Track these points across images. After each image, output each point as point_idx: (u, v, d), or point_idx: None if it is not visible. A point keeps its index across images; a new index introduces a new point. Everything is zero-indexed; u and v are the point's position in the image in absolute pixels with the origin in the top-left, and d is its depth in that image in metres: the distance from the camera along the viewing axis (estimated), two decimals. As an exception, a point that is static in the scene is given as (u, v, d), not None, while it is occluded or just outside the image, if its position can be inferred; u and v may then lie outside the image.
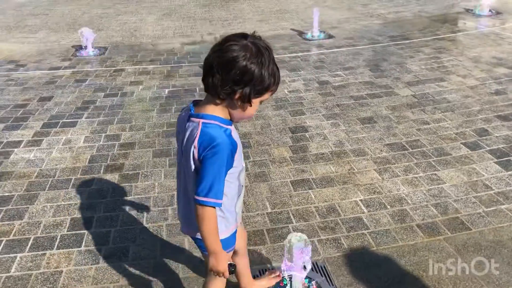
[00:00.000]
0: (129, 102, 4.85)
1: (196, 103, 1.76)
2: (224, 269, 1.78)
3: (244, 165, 1.89)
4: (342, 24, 7.52)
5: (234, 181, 1.82)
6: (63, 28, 7.63)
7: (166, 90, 5.12)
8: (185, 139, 1.72)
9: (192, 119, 1.71)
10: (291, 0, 9.07)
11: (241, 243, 2.20)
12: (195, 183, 1.69)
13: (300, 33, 6.98)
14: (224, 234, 1.87)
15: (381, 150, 3.86)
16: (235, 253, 2.13)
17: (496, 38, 6.59)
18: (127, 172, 3.64)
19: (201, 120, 1.67)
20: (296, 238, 2.31)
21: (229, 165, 1.70)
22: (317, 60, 5.91)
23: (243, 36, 1.64)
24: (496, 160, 3.67)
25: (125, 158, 3.82)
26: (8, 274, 2.66)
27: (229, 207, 1.86)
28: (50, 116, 4.56)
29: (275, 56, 1.71)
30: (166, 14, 8.43)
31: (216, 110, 1.69)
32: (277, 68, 1.67)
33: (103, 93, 5.07)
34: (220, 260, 1.77)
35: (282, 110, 4.56)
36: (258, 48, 1.61)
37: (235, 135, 1.73)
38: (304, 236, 2.32)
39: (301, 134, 4.14)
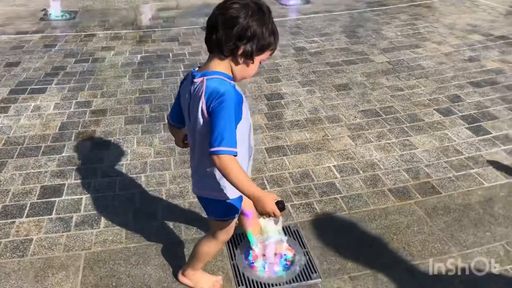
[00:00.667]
0: (101, 68, 4.72)
1: (198, 68, 1.81)
2: (272, 209, 1.70)
3: (251, 122, 1.92)
4: (318, -11, 7.41)
5: (245, 138, 1.85)
6: (31, -9, 7.32)
7: (139, 56, 5.00)
8: (191, 100, 1.77)
9: (195, 80, 1.75)
10: (268, -36, 8.88)
11: (250, 206, 2.17)
12: (209, 137, 1.67)
13: (276, -2, 6.86)
14: (232, 193, 1.89)
15: (355, 117, 3.87)
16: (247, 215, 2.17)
17: (471, 5, 6.60)
18: (99, 139, 3.57)
19: (205, 77, 1.73)
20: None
21: (238, 115, 1.72)
22: (294, 26, 5.83)
23: None
24: (467, 125, 3.73)
25: (97, 125, 3.75)
26: (-24, 243, 2.61)
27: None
28: (18, 82, 4.42)
29: None
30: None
31: (220, 67, 1.74)
32: (276, 29, 1.75)
33: (73, 59, 4.92)
34: (266, 202, 1.69)
35: (258, 77, 4.51)
36: (259, 7, 1.69)
37: (238, 89, 1.76)
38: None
39: (276, 101, 4.11)
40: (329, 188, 3.06)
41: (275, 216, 1.74)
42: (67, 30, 5.80)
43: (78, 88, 4.31)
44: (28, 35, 5.59)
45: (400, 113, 3.91)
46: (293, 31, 5.66)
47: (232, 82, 1.74)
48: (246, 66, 1.74)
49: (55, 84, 4.37)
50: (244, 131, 1.83)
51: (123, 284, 2.34)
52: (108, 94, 4.21)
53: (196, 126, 1.78)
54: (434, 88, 4.29)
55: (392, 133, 3.64)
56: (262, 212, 1.73)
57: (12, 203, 2.92)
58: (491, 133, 3.62)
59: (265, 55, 1.76)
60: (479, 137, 3.58)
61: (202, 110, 1.71)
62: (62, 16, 6.16)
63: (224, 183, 1.85)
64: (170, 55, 5.02)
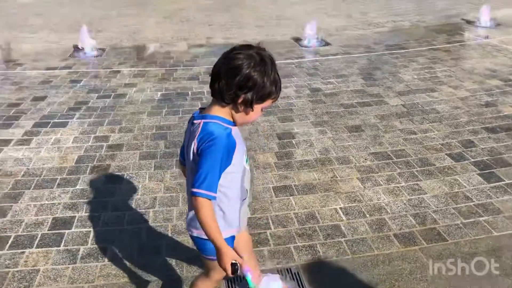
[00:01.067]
0: (121, 104, 4.90)
1: (201, 110, 1.88)
2: (225, 266, 1.77)
3: (247, 167, 1.96)
4: (339, 31, 7.57)
5: (236, 182, 1.89)
6: (64, 28, 7.72)
7: (159, 93, 5.17)
8: (188, 140, 1.84)
9: (195, 121, 1.83)
10: (291, 7, 9.13)
11: (245, 248, 2.21)
12: (193, 176, 1.75)
13: (297, 40, 7.02)
14: (224, 234, 1.88)
15: (365, 159, 3.88)
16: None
17: (492, 50, 6.60)
18: (112, 173, 3.68)
19: (203, 120, 1.80)
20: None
21: (225, 162, 1.77)
22: (311, 67, 5.94)
23: (249, 46, 1.79)
24: (479, 172, 3.69)
25: (112, 159, 3.87)
26: (-15, 271, 2.70)
27: (231, 209, 1.93)
28: (42, 115, 4.62)
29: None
30: (166, 17, 8.51)
31: (220, 112, 1.81)
32: (279, 78, 1.80)
33: (96, 94, 5.13)
34: (223, 257, 1.76)
35: (271, 116, 4.60)
36: (262, 58, 1.75)
37: (236, 135, 1.83)
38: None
39: (287, 140, 4.17)
40: (333, 231, 3.05)
41: (226, 274, 1.79)
42: (93, 66, 6.07)
43: (97, 123, 4.48)
44: (57, 70, 5.86)
45: (412, 156, 3.91)
46: (310, 72, 5.77)
47: (229, 127, 1.80)
48: (245, 114, 1.80)
49: (77, 119, 4.56)
50: (235, 176, 1.87)
51: (120, 319, 2.38)
52: (125, 129, 4.36)
53: (189, 166, 1.85)
54: (448, 133, 4.28)
55: (402, 177, 3.63)
56: (219, 263, 1.79)
57: (25, 233, 3.02)
58: (504, 181, 3.57)
59: (266, 103, 1.81)
60: (491, 184, 3.53)
61: (193, 151, 1.78)
62: (90, 53, 6.44)
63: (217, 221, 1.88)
64: (189, 93, 5.18)
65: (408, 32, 7.57)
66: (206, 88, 5.35)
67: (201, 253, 2.06)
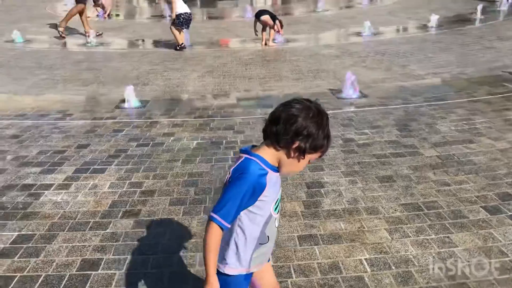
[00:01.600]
0: (158, 152, 5.09)
1: (252, 147, 2.00)
2: None
3: (275, 216, 2.03)
4: (377, 84, 7.60)
5: (257, 224, 1.97)
6: (112, 82, 8.20)
7: (195, 142, 5.34)
8: (230, 169, 1.96)
9: (240, 154, 1.96)
10: (329, 60, 9.30)
11: None
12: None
13: (334, 92, 7.11)
14: (230, 270, 2.00)
15: (395, 210, 3.80)
16: None
17: (536, 101, 6.41)
18: (142, 218, 3.79)
19: (245, 155, 1.93)
20: None
21: (248, 198, 1.87)
22: (346, 118, 5.97)
23: (308, 100, 1.93)
24: (516, 226, 3.52)
25: (143, 205, 3.99)
26: (14, 309, 2.81)
27: (245, 248, 1.99)
28: (84, 162, 4.87)
29: None
30: (209, 71, 8.87)
31: (266, 154, 1.92)
32: (330, 133, 1.94)
33: (136, 143, 5.36)
34: (208, 285, 1.90)
35: (301, 166, 4.62)
36: (319, 111, 1.90)
37: (271, 181, 1.92)
38: None
39: (316, 189, 4.16)
40: (356, 282, 2.97)
41: None
42: (136, 117, 6.37)
43: (134, 169, 4.66)
44: (102, 120, 6.20)
45: (444, 208, 3.78)
46: (344, 123, 5.80)
47: (266, 169, 1.90)
48: (297, 161, 1.92)
49: (115, 165, 4.76)
50: (258, 218, 1.96)
51: None
52: (159, 176, 4.51)
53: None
54: (484, 185, 4.13)
55: (432, 229, 3.51)
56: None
57: (54, 273, 3.14)
58: (544, 236, 3.38)
59: (316, 155, 1.93)
60: (529, 239, 3.35)
61: (227, 179, 1.92)
62: (135, 104, 6.79)
63: (225, 254, 1.98)
64: (224, 142, 5.31)
65: (448, 84, 7.49)
66: (240, 138, 5.50)
67: None
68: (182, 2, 10.71)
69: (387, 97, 6.80)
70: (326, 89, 7.27)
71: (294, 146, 1.87)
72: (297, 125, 1.84)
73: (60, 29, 12.59)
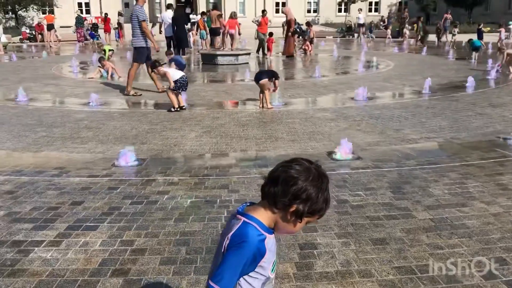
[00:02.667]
0: (151, 210, 5.08)
1: (249, 205, 2.00)
2: None
3: (272, 276, 2.00)
4: (372, 147, 7.71)
5: (256, 287, 1.93)
6: (111, 140, 8.30)
7: (188, 201, 5.34)
8: (225, 230, 1.94)
9: (238, 216, 1.93)
10: (325, 124, 9.48)
11: None
12: (215, 269, 1.88)
13: (329, 153, 7.20)
14: None
15: (388, 273, 3.75)
16: None
17: (528, 166, 6.49)
18: (131, 277, 3.73)
19: (244, 219, 1.90)
20: None
21: (248, 266, 1.85)
22: (340, 180, 6.02)
23: (308, 161, 1.93)
24: (511, 291, 3.46)
25: (133, 263, 3.94)
26: None
27: None
28: (77, 219, 4.85)
29: None
30: (206, 131, 9.01)
31: (264, 216, 1.91)
32: (329, 197, 1.93)
33: (129, 201, 5.36)
34: None
35: (295, 226, 4.60)
36: (319, 174, 1.89)
37: (269, 244, 1.90)
38: None
39: (309, 251, 4.13)
40: None
41: None
42: (132, 175, 6.41)
43: (126, 227, 4.63)
44: (98, 178, 6.23)
45: (437, 272, 3.74)
46: (338, 184, 5.84)
47: (264, 234, 1.88)
48: (293, 225, 1.91)
49: (107, 223, 4.74)
50: (256, 281, 1.93)
51: None
52: (151, 234, 4.48)
53: (216, 256, 1.95)
54: (477, 249, 4.11)
55: (426, 294, 3.46)
56: None
57: (37, 333, 3.05)
58: (539, 302, 3.33)
59: (313, 218, 1.92)
60: (524, 305, 3.30)
61: (225, 245, 1.88)
62: (132, 163, 6.85)
63: None
64: (218, 201, 5.32)
65: (441, 148, 7.61)
66: (234, 197, 5.51)
67: None
68: (174, 69, 11.19)
69: (381, 160, 6.88)
70: (320, 151, 7.37)
71: (292, 209, 1.85)
72: (296, 188, 1.83)
73: (131, 93, 13.17)
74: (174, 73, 11.11)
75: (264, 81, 11.04)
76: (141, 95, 13.31)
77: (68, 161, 7.05)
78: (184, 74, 11.34)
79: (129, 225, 4.69)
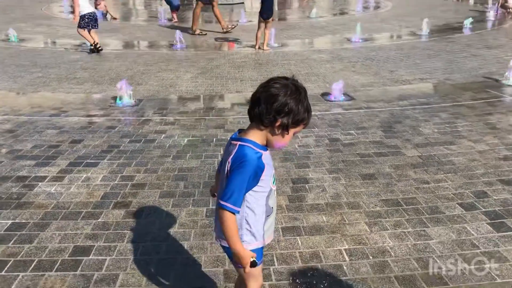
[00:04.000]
0: (150, 148, 5.24)
1: (240, 131, 2.16)
2: (245, 265, 2.12)
3: (274, 188, 2.21)
4: (365, 87, 7.80)
5: (262, 200, 2.15)
6: (107, 81, 8.34)
7: (186, 139, 5.49)
8: (225, 157, 2.13)
9: (233, 142, 2.11)
10: (321, 65, 9.50)
11: None
12: (222, 190, 2.08)
13: (323, 95, 7.30)
14: (251, 245, 2.18)
15: (375, 205, 3.98)
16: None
17: (517, 107, 6.63)
18: (132, 209, 3.93)
19: (239, 143, 2.07)
20: None
21: (252, 182, 2.05)
22: (333, 119, 6.16)
23: (285, 77, 2.08)
24: (489, 221, 3.70)
25: (134, 197, 4.14)
26: (8, 290, 2.95)
27: (256, 224, 2.18)
28: (77, 156, 5.00)
29: None
30: (201, 73, 9.03)
31: (255, 136, 2.08)
32: (310, 106, 2.08)
33: (128, 139, 5.50)
34: (241, 259, 2.11)
35: (288, 163, 4.79)
36: (297, 87, 2.04)
37: (266, 159, 2.09)
38: None
39: (301, 185, 4.33)
40: (335, 270, 3.14)
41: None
42: (129, 115, 6.52)
43: (126, 164, 4.80)
44: (95, 117, 6.34)
45: (422, 204, 3.97)
46: (331, 124, 5.98)
47: (260, 151, 2.06)
48: (282, 137, 2.07)
49: (107, 160, 4.90)
50: (261, 194, 2.14)
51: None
52: (150, 170, 4.66)
53: (222, 179, 2.14)
54: (461, 183, 4.32)
55: (410, 223, 3.69)
56: (238, 263, 2.13)
57: (47, 258, 3.27)
58: (514, 230, 3.57)
59: (299, 128, 2.09)
60: (500, 234, 3.54)
61: (227, 169, 2.06)
62: (128, 103, 6.93)
63: (241, 234, 2.15)
64: (214, 140, 5.47)
65: (434, 89, 7.72)
66: (230, 135, 5.65)
67: (233, 264, 2.29)
68: (87, 1, 10.73)
69: (373, 101, 7.00)
70: (315, 92, 7.45)
71: (277, 124, 2.01)
72: (277, 104, 1.98)
73: (197, 32, 13.28)
74: (84, 6, 10.59)
75: (272, 18, 10.91)
76: (205, 34, 13.22)
77: (65, 102, 7.13)
78: (93, 10, 10.94)
79: (129, 162, 4.85)
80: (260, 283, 2.40)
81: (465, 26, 13.49)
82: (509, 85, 7.65)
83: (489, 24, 14.87)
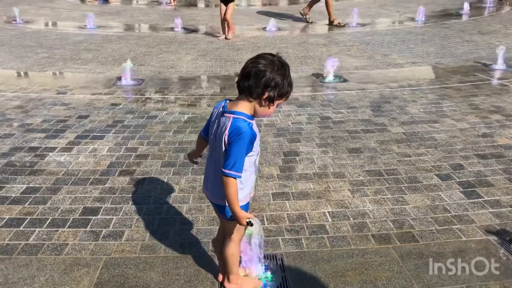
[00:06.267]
0: (152, 123, 5.58)
1: (229, 101, 2.44)
2: (243, 224, 2.47)
3: (259, 150, 2.56)
4: (359, 70, 8.12)
5: (253, 161, 2.49)
6: (110, 62, 8.65)
7: (186, 116, 5.83)
8: (219, 128, 2.38)
9: (226, 114, 2.37)
10: (317, 49, 9.80)
11: None
12: (224, 160, 2.34)
13: (317, 76, 7.61)
14: (241, 202, 2.50)
15: (359, 175, 4.33)
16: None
17: (502, 89, 6.95)
18: (136, 176, 4.29)
19: (232, 116, 2.34)
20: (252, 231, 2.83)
21: (249, 149, 2.38)
22: (326, 100, 6.49)
23: (271, 54, 2.36)
24: (462, 190, 4.06)
25: (138, 166, 4.49)
26: (27, 242, 3.31)
27: (248, 182, 2.53)
28: (84, 130, 5.35)
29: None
30: (201, 55, 9.34)
31: (245, 107, 2.34)
32: (292, 80, 2.38)
33: (131, 115, 5.84)
34: (240, 219, 2.44)
35: (281, 138, 5.14)
36: (282, 64, 2.32)
37: (255, 127, 2.42)
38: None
39: (292, 157, 4.69)
40: (319, 229, 3.50)
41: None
42: (132, 93, 6.85)
43: (130, 137, 5.15)
44: (100, 95, 6.67)
45: (402, 175, 4.32)
46: (324, 103, 6.31)
47: (251, 121, 2.37)
48: (268, 108, 2.37)
49: (112, 133, 5.25)
50: (253, 157, 2.48)
51: (129, 282, 2.91)
52: (152, 143, 5.01)
53: (219, 149, 2.42)
54: (440, 157, 4.67)
55: (389, 191, 4.05)
56: (238, 222, 2.48)
57: (60, 217, 3.64)
58: (483, 198, 3.92)
59: (282, 100, 2.37)
60: (470, 200, 3.89)
61: (224, 141, 2.36)
62: (131, 82, 7.26)
63: (239, 194, 2.47)
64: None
65: (424, 72, 8.04)
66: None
67: (224, 217, 2.63)
68: None
69: (365, 82, 7.32)
70: (310, 74, 7.76)
71: (265, 96, 2.30)
72: (265, 79, 2.25)
73: (335, 22, 12.68)
74: None
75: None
76: (345, 25, 12.53)
77: (71, 81, 7.46)
78: None
79: (132, 135, 5.20)
80: (241, 234, 2.74)
81: (461, 12, 13.71)
82: (496, 69, 7.95)
83: (486, 11, 15.08)
